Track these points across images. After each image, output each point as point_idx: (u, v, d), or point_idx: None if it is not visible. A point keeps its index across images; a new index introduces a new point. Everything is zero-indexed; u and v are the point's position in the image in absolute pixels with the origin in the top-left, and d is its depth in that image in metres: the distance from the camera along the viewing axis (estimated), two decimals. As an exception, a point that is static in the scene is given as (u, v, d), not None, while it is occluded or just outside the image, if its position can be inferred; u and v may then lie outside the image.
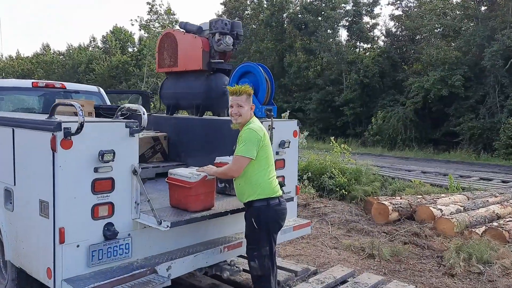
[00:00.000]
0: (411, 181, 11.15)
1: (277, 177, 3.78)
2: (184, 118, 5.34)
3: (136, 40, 44.62)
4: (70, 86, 6.32)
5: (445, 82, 22.53)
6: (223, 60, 5.04)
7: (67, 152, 2.95)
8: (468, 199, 8.99)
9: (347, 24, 30.79)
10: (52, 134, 2.90)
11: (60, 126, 2.90)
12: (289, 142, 4.52)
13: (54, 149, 2.91)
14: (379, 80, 26.82)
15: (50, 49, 52.10)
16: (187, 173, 3.60)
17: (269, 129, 4.36)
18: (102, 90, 6.37)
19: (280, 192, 3.60)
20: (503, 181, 12.57)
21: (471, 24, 24.51)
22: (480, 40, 22.56)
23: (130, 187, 3.31)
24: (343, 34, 33.57)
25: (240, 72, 4.61)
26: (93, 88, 6.55)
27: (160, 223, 3.17)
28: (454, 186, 10.64)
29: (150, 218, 3.27)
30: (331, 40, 29.33)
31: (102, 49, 44.73)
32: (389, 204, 7.56)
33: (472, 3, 24.33)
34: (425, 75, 24.05)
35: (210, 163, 4.49)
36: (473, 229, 6.97)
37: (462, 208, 8.08)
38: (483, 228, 7.05)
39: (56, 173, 2.94)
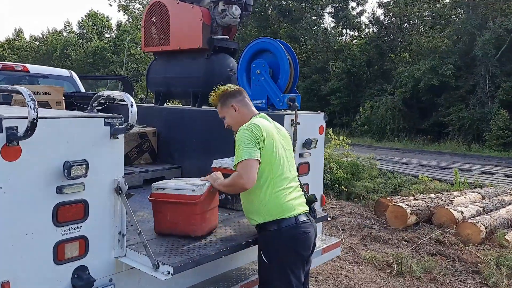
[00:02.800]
0: (416, 177, 10.36)
1: (301, 185, 2.83)
2: (178, 109, 4.29)
3: (114, 25, 42.91)
4: (35, 69, 5.17)
5: (435, 71, 21.93)
6: (228, 37, 4.00)
7: (13, 165, 1.90)
8: (483, 198, 8.25)
9: (333, 10, 29.86)
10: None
11: (0, 125, 1.84)
12: (316, 141, 3.54)
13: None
14: (366, 69, 26.12)
15: (23, 34, 49.66)
16: (185, 185, 2.60)
17: (292, 125, 3.37)
18: (74, 75, 5.23)
19: (298, 210, 2.58)
20: (506, 175, 11.94)
21: (462, 12, 23.89)
22: (472, 29, 21.96)
23: (112, 212, 2.28)
24: (328, 21, 32.61)
25: (253, 50, 3.59)
26: (63, 72, 5.40)
27: (157, 267, 2.16)
28: (460, 182, 9.93)
29: (141, 258, 2.25)
30: (316, 27, 28.38)
31: (78, 35, 42.82)
32: (407, 206, 6.69)
33: (463, -11, 23.67)
34: (413, 64, 23.42)
35: (209, 165, 3.53)
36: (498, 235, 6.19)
37: (481, 209, 7.30)
38: (510, 233, 6.30)
39: (-5, 197, 1.89)
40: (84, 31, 42.55)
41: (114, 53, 35.60)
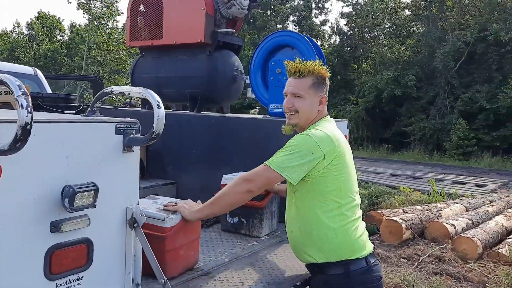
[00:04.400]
0: (391, 188, 10.15)
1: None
2: (173, 114, 3.64)
3: (66, 27, 41.08)
4: (-10, 65, 4.36)
5: (398, 82, 22.29)
6: (234, 31, 3.44)
7: (-12, 193, 1.25)
8: (467, 210, 8.10)
9: (296, 19, 29.91)
10: None
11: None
12: (343, 153, 3.02)
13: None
14: (330, 79, 26.13)
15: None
16: (155, 211, 1.97)
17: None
18: (40, 73, 4.46)
19: (368, 248, 2.01)
20: (477, 185, 12.02)
21: (422, 25, 24.50)
22: (431, 41, 22.51)
23: (123, 253, 1.65)
24: (292, 30, 32.62)
25: (271, 46, 3.05)
26: (27, 69, 4.61)
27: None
28: (437, 192, 9.83)
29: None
30: (280, 35, 28.21)
31: (27, 36, 40.59)
32: (402, 221, 6.34)
33: (423, 3, 24.31)
34: (375, 74, 23.73)
35: (214, 181, 2.96)
36: (498, 250, 5.96)
37: (470, 222, 7.09)
38: (505, 247, 6.08)
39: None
40: (34, 32, 40.44)
41: (67, 56, 33.95)
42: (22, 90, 1.14)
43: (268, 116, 3.07)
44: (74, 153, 1.45)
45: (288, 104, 2.04)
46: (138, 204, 1.69)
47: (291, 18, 29.56)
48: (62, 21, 41.24)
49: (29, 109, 1.13)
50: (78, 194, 1.37)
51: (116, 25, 15.43)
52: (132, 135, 1.62)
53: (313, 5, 29.21)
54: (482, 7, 21.41)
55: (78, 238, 1.48)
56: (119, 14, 15.35)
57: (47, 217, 1.39)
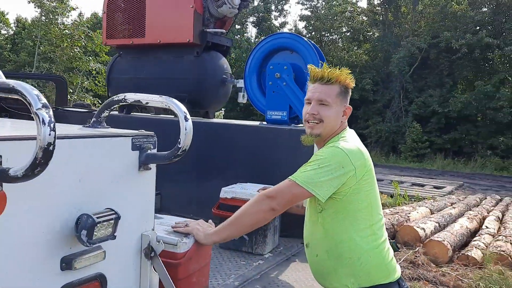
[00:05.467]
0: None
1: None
2: (156, 119, 3.39)
3: (12, 21, 38.90)
4: None
5: (356, 85, 22.70)
6: (224, 31, 3.24)
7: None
8: (432, 213, 8.30)
9: (256, 20, 29.89)
10: None
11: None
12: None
13: None
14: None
15: None
16: (165, 234, 1.71)
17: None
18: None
19: (399, 270, 1.89)
20: (435, 187, 12.42)
21: (378, 30, 25.20)
22: (387, 46, 23.20)
23: (137, 287, 1.42)
24: (252, 31, 32.59)
25: (268, 48, 2.86)
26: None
27: None
28: (400, 195, 10.05)
29: None
30: (239, 36, 28.08)
31: (-33, 30, 38.02)
32: (375, 226, 6.34)
33: (379, 9, 25.00)
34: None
35: (203, 193, 2.76)
36: (467, 253, 6.09)
37: (437, 225, 7.24)
38: (473, 249, 6.24)
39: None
40: (-26, 26, 37.98)
41: (12, 51, 32.12)
42: (43, 102, 0.90)
43: (265, 123, 2.89)
44: (88, 174, 1.21)
45: (313, 112, 1.83)
46: (154, 230, 1.47)
47: (251, 19, 29.50)
48: (7, 14, 38.93)
49: (52, 125, 0.90)
50: (98, 225, 1.14)
51: (71, 20, 14.67)
52: (149, 151, 1.39)
53: (273, 7, 29.31)
54: (434, 14, 22.30)
55: (91, 275, 1.24)
56: (74, 9, 14.59)
57: (58, 253, 1.15)
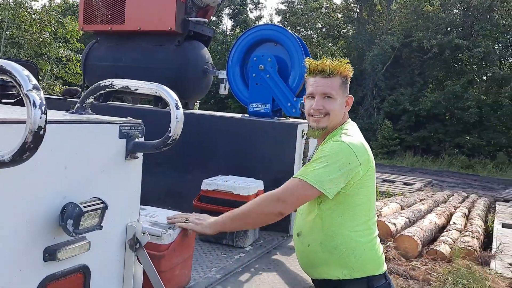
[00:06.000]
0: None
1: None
2: (134, 109, 3.30)
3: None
4: None
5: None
6: (207, 20, 3.18)
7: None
8: (402, 208, 8.50)
9: (232, 13, 29.72)
10: None
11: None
12: (322, 156, 2.91)
13: None
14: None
15: None
16: (147, 225, 1.68)
17: (303, 137, 2.71)
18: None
19: (385, 265, 1.90)
20: (405, 183, 12.72)
21: (353, 27, 25.48)
22: (361, 44, 23.50)
23: (121, 280, 1.37)
24: (227, 23, 32.35)
25: (252, 40, 2.82)
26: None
27: None
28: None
29: None
30: (214, 28, 27.87)
31: None
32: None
33: (354, 6, 25.28)
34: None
35: (183, 185, 2.73)
36: (435, 248, 6.27)
37: (408, 220, 7.42)
38: (442, 244, 6.43)
39: None
40: None
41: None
42: (33, 84, 0.85)
43: (248, 115, 2.87)
44: (73, 161, 1.16)
45: (318, 106, 1.81)
46: (139, 221, 1.42)
47: (226, 11, 29.30)
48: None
49: (43, 108, 0.85)
50: (85, 214, 1.09)
51: (41, 4, 14.15)
52: (137, 139, 1.35)
53: (248, 0, 29.19)
54: (408, 14, 22.71)
55: (74, 266, 1.19)
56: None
57: (41, 243, 1.09)
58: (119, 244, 1.35)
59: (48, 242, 1.11)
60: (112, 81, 1.39)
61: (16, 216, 1.03)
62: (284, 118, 2.83)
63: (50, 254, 1.10)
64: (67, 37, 13.76)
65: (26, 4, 13.04)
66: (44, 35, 13.17)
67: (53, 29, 13.13)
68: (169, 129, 1.30)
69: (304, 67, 2.59)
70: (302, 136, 2.69)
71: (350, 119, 1.94)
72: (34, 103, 0.84)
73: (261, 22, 30.69)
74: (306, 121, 2.68)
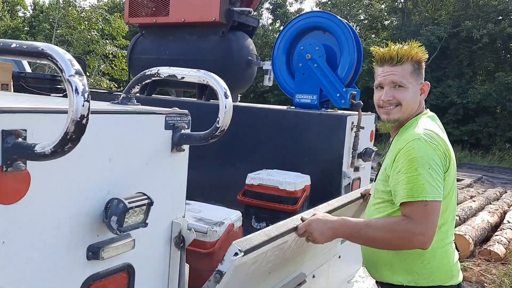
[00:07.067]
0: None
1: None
2: (178, 102, 3.26)
3: (28, 3, 39.11)
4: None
5: (372, 74, 22.38)
6: (252, 10, 3.09)
7: (10, 211, 0.87)
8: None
9: (271, 7, 29.52)
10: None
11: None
12: (372, 152, 2.76)
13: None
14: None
15: None
16: (193, 221, 1.61)
17: (352, 130, 2.56)
18: (18, 49, 3.92)
19: (461, 276, 1.72)
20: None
21: (397, 18, 24.69)
22: (406, 35, 22.69)
23: (166, 280, 1.31)
24: (267, 18, 32.23)
25: (299, 28, 2.70)
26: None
27: None
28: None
29: None
30: (255, 22, 27.80)
31: (-15, 12, 38.32)
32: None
33: (399, -4, 24.48)
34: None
35: (226, 178, 2.65)
36: (489, 248, 5.92)
37: (457, 218, 7.06)
38: (495, 244, 6.07)
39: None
40: (-6, 8, 38.25)
41: (29, 34, 32.36)
42: (76, 68, 0.78)
43: (293, 107, 2.75)
44: (118, 154, 1.09)
45: (388, 97, 1.66)
46: (184, 217, 1.35)
47: (266, 5, 29.14)
48: (26, -4, 39.12)
49: (85, 95, 0.77)
50: (130, 211, 1.02)
51: (88, 3, 14.63)
52: (183, 131, 1.27)
53: (289, -6, 28.90)
54: (456, 3, 21.72)
55: (118, 265, 1.13)
56: (90, -9, 14.50)
57: (84, 240, 1.03)
58: (164, 242, 1.28)
59: (92, 239, 1.05)
60: (158, 70, 1.32)
61: (58, 212, 0.97)
62: (331, 110, 2.70)
63: (93, 252, 1.04)
64: (113, 34, 14.11)
65: (75, 3, 13.47)
66: (92, 33, 13.56)
67: (100, 26, 13.50)
68: (217, 119, 1.21)
69: (354, 55, 2.44)
70: (352, 129, 2.54)
71: (428, 110, 1.77)
72: (76, 89, 0.77)
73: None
74: (355, 112, 2.55)
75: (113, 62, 14.44)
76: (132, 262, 1.17)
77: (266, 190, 2.34)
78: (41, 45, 0.80)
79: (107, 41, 13.78)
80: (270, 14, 30.07)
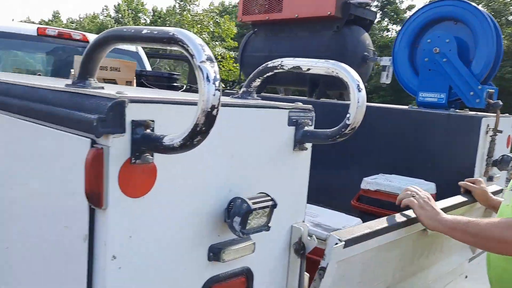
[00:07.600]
0: None
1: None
2: (288, 100, 3.18)
3: (150, 10, 42.68)
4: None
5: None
6: (370, 1, 2.89)
7: (137, 205, 0.84)
8: None
9: (380, 4, 28.40)
10: (93, 146, 0.79)
11: (119, 115, 0.78)
12: (510, 159, 2.39)
13: (97, 203, 0.79)
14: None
15: (59, 17, 49.70)
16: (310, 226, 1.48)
17: (487, 133, 2.24)
18: (141, 50, 4.20)
19: None
20: None
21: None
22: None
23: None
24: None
25: (427, 19, 2.45)
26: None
27: None
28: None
29: None
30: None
31: (114, 19, 42.62)
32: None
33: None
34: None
35: (335, 181, 2.50)
36: None
37: None
38: None
39: (105, 272, 0.83)
40: (120, 15, 42.31)
41: (148, 39, 35.40)
42: (207, 54, 0.71)
43: (416, 107, 2.51)
44: (240, 150, 1.02)
45: None
46: (304, 222, 1.24)
47: (375, 2, 28.13)
48: (145, 4, 42.78)
49: (217, 83, 0.70)
50: (253, 212, 0.94)
51: (201, 8, 15.46)
52: (307, 127, 1.16)
53: (400, -11, 27.55)
54: None
55: (238, 269, 1.06)
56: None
57: (206, 240, 0.98)
58: (283, 248, 1.19)
59: (213, 239, 0.99)
60: (282, 61, 1.23)
61: (182, 208, 0.93)
62: (461, 111, 2.40)
63: (214, 253, 0.98)
64: (222, 36, 14.71)
65: (189, 7, 14.29)
66: (203, 35, 14.27)
67: (211, 29, 14.15)
68: (348, 115, 1.09)
69: (493, 48, 2.14)
70: (487, 132, 2.22)
71: None
72: (207, 77, 0.70)
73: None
74: (492, 114, 2.23)
75: (221, 63, 15.04)
76: (251, 266, 1.10)
77: (385, 197, 2.14)
78: (171, 30, 0.75)
79: (217, 43, 14.39)
80: (379, 12, 28.96)
